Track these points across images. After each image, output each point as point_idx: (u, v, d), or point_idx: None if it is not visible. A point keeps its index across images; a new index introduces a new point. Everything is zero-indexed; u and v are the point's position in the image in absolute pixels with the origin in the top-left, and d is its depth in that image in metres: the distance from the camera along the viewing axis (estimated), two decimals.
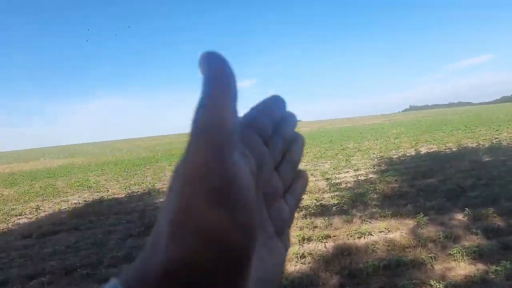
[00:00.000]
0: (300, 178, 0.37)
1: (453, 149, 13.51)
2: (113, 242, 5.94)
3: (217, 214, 0.22)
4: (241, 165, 0.24)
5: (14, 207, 10.51)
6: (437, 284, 3.45)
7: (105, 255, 5.36)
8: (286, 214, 0.33)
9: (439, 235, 4.71)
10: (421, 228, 5.12)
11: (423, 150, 14.04)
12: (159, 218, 0.24)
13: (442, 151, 13.34)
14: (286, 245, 0.33)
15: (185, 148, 0.24)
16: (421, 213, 5.43)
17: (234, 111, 0.23)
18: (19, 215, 9.22)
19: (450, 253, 4.16)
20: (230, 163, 0.22)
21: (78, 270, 4.80)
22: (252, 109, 0.31)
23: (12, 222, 8.49)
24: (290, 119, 0.36)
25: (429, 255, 4.11)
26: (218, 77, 0.24)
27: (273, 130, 0.33)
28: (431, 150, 13.82)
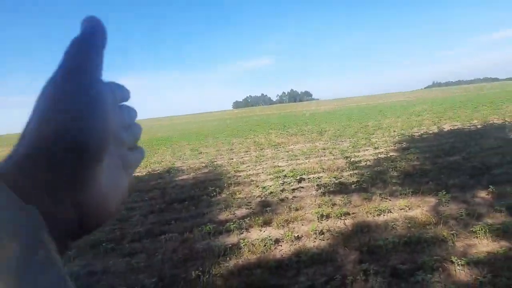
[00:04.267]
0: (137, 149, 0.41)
1: (478, 126, 13.09)
2: (136, 218, 6.13)
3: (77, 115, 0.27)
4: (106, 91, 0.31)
5: None
6: (458, 260, 3.40)
7: (128, 230, 5.54)
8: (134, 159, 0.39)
9: (461, 212, 4.62)
10: (443, 206, 5.04)
11: (446, 128, 13.67)
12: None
13: (466, 128, 12.95)
14: (130, 178, 0.38)
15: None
16: (443, 191, 5.34)
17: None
18: None
19: (472, 230, 4.09)
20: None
21: (103, 244, 4.98)
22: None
23: None
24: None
25: (451, 232, 4.05)
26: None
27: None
28: (455, 128, 13.43)
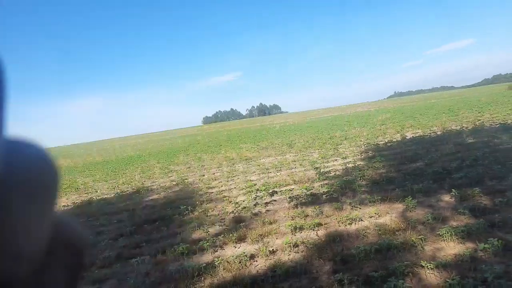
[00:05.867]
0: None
1: (437, 133, 13.75)
2: (105, 242, 5.87)
3: None
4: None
5: None
6: (428, 264, 3.51)
7: (97, 255, 5.29)
8: None
9: (427, 217, 4.80)
10: (410, 211, 5.21)
11: (409, 135, 14.25)
12: None
13: (427, 135, 13.56)
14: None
15: None
16: (409, 197, 5.52)
17: None
18: None
19: (439, 234, 4.25)
20: None
21: None
22: None
23: None
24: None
25: (419, 237, 4.19)
26: None
27: None
28: (417, 135, 14.03)
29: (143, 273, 4.49)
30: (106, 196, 10.51)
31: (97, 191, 11.66)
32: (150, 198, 9.19)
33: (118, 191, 10.98)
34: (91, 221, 7.48)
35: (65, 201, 10.75)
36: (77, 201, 10.43)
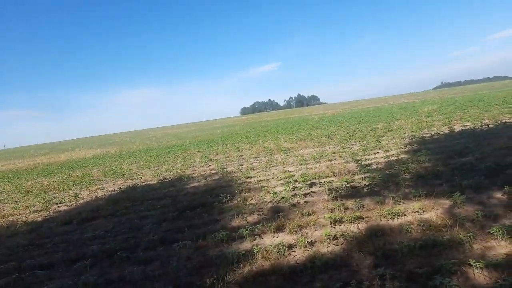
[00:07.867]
0: None
1: (490, 126, 12.91)
2: (149, 226, 6.16)
3: None
4: None
5: (54, 195, 11.08)
6: (477, 263, 3.34)
7: (142, 238, 5.58)
8: None
9: (477, 214, 4.54)
10: (458, 208, 4.96)
11: (458, 128, 13.50)
12: None
13: (478, 128, 12.77)
14: None
15: None
16: (457, 192, 5.26)
17: None
18: (59, 203, 9.71)
19: (489, 232, 4.01)
20: None
21: (117, 253, 5.02)
22: None
23: (53, 210, 8.97)
24: None
25: (467, 235, 3.98)
26: None
27: None
28: (466, 128, 13.26)
29: (185, 257, 4.66)
30: (149, 182, 10.98)
31: (141, 177, 12.20)
32: (191, 185, 9.48)
33: (161, 177, 11.42)
34: (136, 206, 7.86)
35: (111, 186, 11.36)
36: (122, 186, 10.99)
